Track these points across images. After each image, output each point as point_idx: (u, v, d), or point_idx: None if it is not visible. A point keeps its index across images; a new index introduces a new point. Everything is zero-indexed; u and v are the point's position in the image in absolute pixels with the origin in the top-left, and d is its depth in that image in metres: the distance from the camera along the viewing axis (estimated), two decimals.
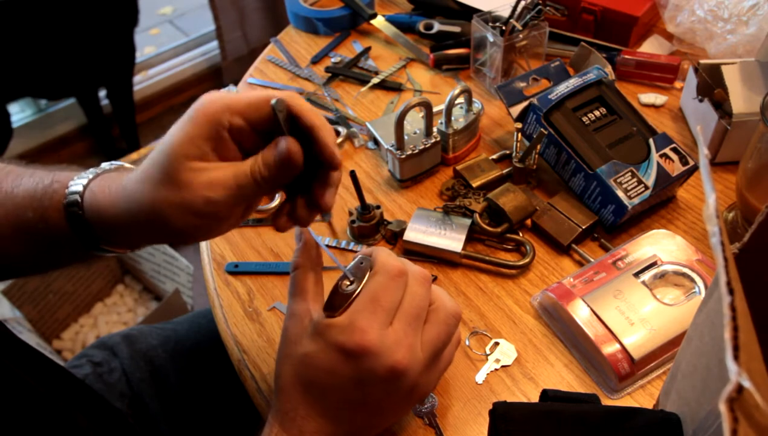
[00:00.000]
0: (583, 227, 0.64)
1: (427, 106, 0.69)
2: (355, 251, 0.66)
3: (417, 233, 0.65)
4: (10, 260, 0.49)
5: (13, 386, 0.43)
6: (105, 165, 0.49)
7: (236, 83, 0.91)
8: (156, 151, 0.42)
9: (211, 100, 0.41)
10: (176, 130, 0.41)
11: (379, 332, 0.42)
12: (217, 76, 2.39)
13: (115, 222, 0.44)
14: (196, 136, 0.40)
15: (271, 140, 0.42)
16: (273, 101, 0.41)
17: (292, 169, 0.42)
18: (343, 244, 0.68)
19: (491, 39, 0.80)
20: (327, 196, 0.45)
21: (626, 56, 0.82)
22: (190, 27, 2.59)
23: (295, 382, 0.44)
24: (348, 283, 0.45)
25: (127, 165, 0.50)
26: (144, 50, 2.40)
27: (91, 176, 0.46)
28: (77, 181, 0.46)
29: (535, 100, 0.68)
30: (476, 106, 0.75)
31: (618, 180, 0.63)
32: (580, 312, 0.55)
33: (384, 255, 0.46)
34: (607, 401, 0.53)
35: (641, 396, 0.53)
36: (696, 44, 0.84)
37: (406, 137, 0.70)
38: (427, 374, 0.45)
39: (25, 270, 0.54)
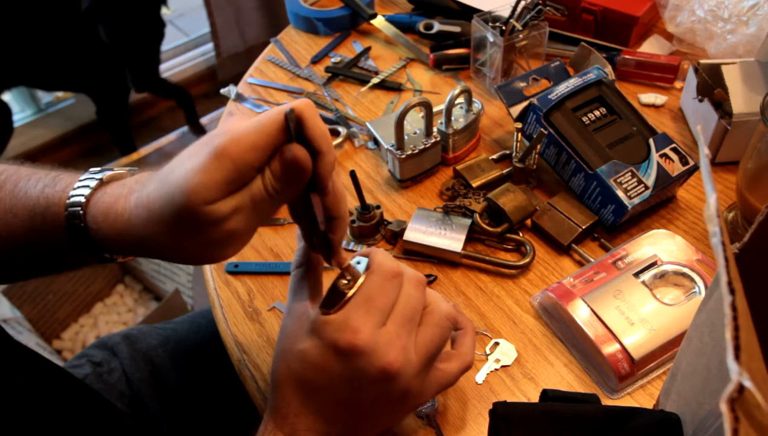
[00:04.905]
0: (583, 227, 0.64)
1: (427, 106, 0.69)
2: (355, 251, 0.66)
3: (417, 233, 0.65)
4: (9, 269, 0.50)
5: (7, 388, 0.43)
6: (97, 176, 0.46)
7: (236, 82, 0.91)
8: (166, 185, 0.40)
9: (234, 140, 0.38)
10: (194, 171, 0.38)
11: (372, 333, 0.42)
12: (216, 75, 2.38)
13: (123, 247, 0.45)
14: (222, 182, 0.39)
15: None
16: (287, 110, 0.40)
17: (302, 175, 0.40)
18: (343, 244, 0.68)
19: (491, 39, 0.80)
20: (335, 230, 0.45)
21: (626, 56, 0.82)
22: (190, 27, 2.59)
23: (289, 378, 0.44)
24: (345, 282, 0.45)
25: (120, 170, 0.47)
26: None
27: (86, 193, 0.44)
28: (76, 195, 0.44)
29: (535, 100, 0.68)
30: (476, 106, 0.75)
31: (618, 180, 0.63)
32: (580, 312, 0.55)
33: (380, 256, 0.46)
34: (607, 401, 0.53)
35: (641, 396, 0.53)
36: (696, 44, 0.84)
37: (406, 137, 0.70)
38: (422, 378, 0.45)
39: (23, 277, 0.54)
